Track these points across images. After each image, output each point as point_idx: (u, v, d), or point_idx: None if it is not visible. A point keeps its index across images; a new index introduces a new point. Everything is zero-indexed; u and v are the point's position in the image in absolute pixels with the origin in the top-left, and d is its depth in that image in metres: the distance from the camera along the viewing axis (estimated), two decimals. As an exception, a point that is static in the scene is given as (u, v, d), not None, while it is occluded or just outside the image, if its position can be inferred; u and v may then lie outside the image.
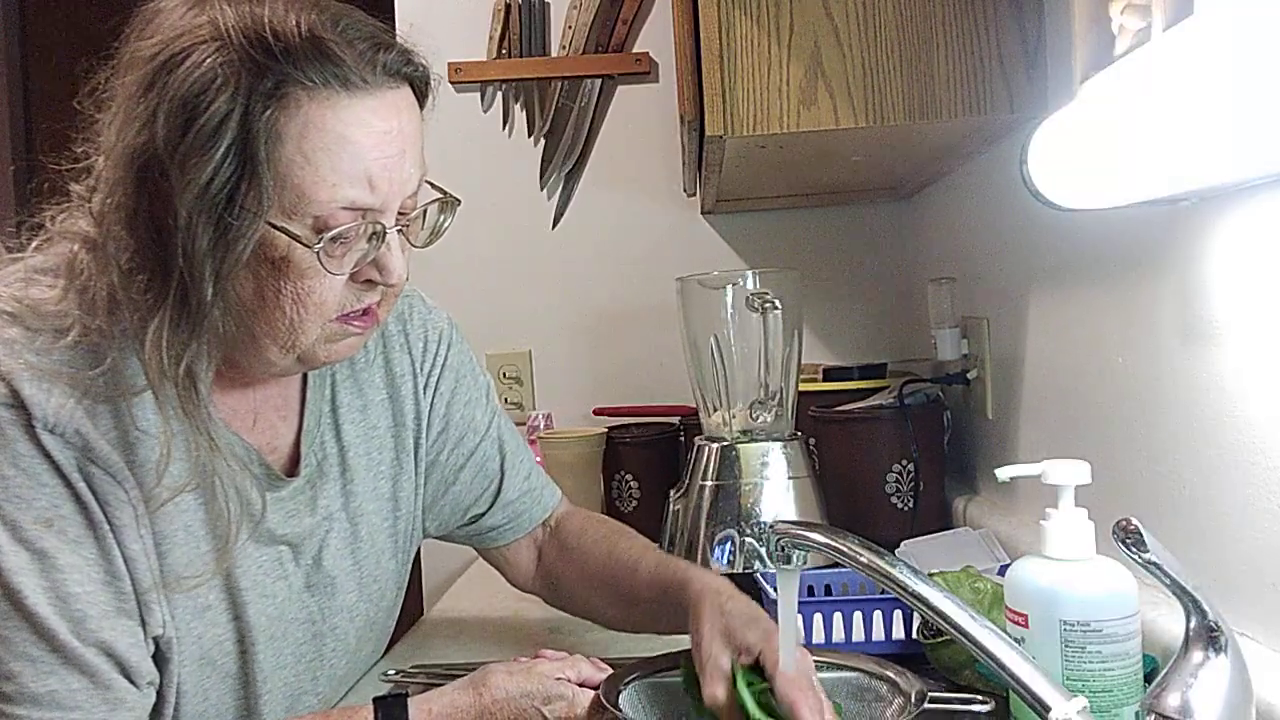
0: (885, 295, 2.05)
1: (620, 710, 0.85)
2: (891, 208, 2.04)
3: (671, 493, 1.44)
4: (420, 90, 0.89)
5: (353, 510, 1.04)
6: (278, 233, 0.82)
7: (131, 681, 0.85)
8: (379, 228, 0.85)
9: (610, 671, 0.92)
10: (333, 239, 0.83)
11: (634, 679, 0.91)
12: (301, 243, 0.82)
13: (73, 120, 0.86)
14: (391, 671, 1.12)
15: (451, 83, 2.04)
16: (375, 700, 0.90)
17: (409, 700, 0.89)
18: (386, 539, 1.08)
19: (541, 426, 1.92)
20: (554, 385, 2.07)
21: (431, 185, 0.93)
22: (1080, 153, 0.84)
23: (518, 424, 2.02)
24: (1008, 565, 1.01)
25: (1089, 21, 0.93)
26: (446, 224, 0.95)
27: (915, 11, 1.21)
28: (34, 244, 0.90)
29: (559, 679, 0.90)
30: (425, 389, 1.12)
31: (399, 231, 0.88)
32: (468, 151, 2.06)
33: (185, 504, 0.89)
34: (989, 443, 1.53)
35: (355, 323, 0.90)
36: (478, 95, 2.07)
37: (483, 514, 1.18)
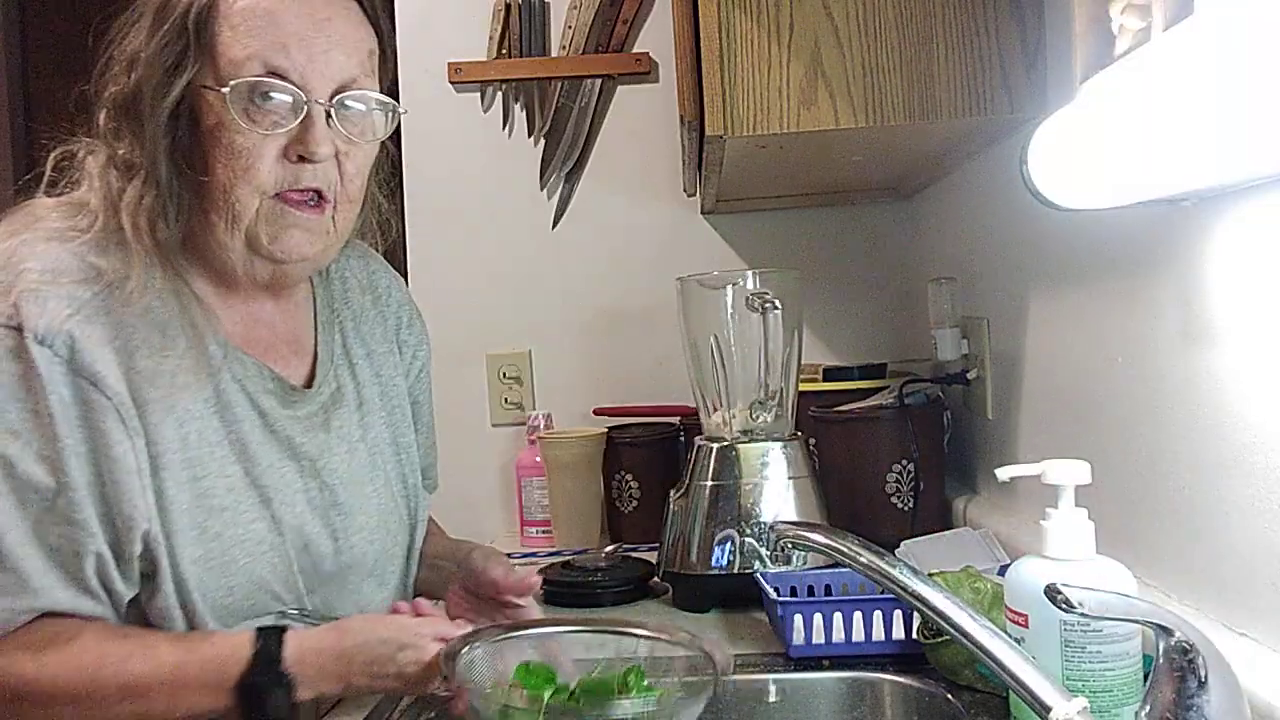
0: (885, 295, 2.05)
1: (455, 669, 0.87)
2: (891, 208, 2.04)
3: (671, 493, 1.44)
4: (366, 6, 1.02)
5: (370, 441, 1.12)
6: (209, 95, 0.95)
7: (72, 579, 0.90)
8: (302, 99, 0.95)
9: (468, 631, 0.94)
10: (251, 94, 0.93)
11: (479, 643, 0.92)
12: (220, 96, 0.94)
13: (71, 120, 1.00)
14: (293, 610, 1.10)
15: (451, 83, 2.04)
16: (258, 629, 0.94)
17: (288, 633, 0.93)
18: (395, 477, 1.15)
19: (541, 426, 1.92)
20: (554, 385, 2.07)
21: (380, 97, 1.02)
22: (1080, 153, 0.84)
23: (518, 424, 2.04)
24: (1008, 565, 1.01)
25: (1089, 21, 0.93)
26: (389, 126, 1.03)
27: (915, 11, 1.21)
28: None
29: (417, 632, 0.93)
30: (409, 366, 1.23)
31: (328, 116, 0.97)
32: (468, 151, 2.06)
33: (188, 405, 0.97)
34: (989, 443, 1.53)
35: (295, 205, 0.98)
36: (478, 95, 2.07)
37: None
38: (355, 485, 1.08)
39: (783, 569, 1.27)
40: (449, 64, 2.03)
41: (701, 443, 1.43)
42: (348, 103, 0.98)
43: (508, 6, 2.03)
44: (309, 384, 1.08)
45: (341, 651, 0.92)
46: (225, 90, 0.93)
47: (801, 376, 1.55)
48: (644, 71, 2.04)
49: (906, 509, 1.54)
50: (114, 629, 0.93)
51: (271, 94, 0.94)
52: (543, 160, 2.06)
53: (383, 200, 1.14)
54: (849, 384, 1.67)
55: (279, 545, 1.00)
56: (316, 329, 1.12)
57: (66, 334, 0.90)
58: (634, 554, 1.55)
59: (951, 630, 0.70)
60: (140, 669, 0.90)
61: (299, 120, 0.95)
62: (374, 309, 1.20)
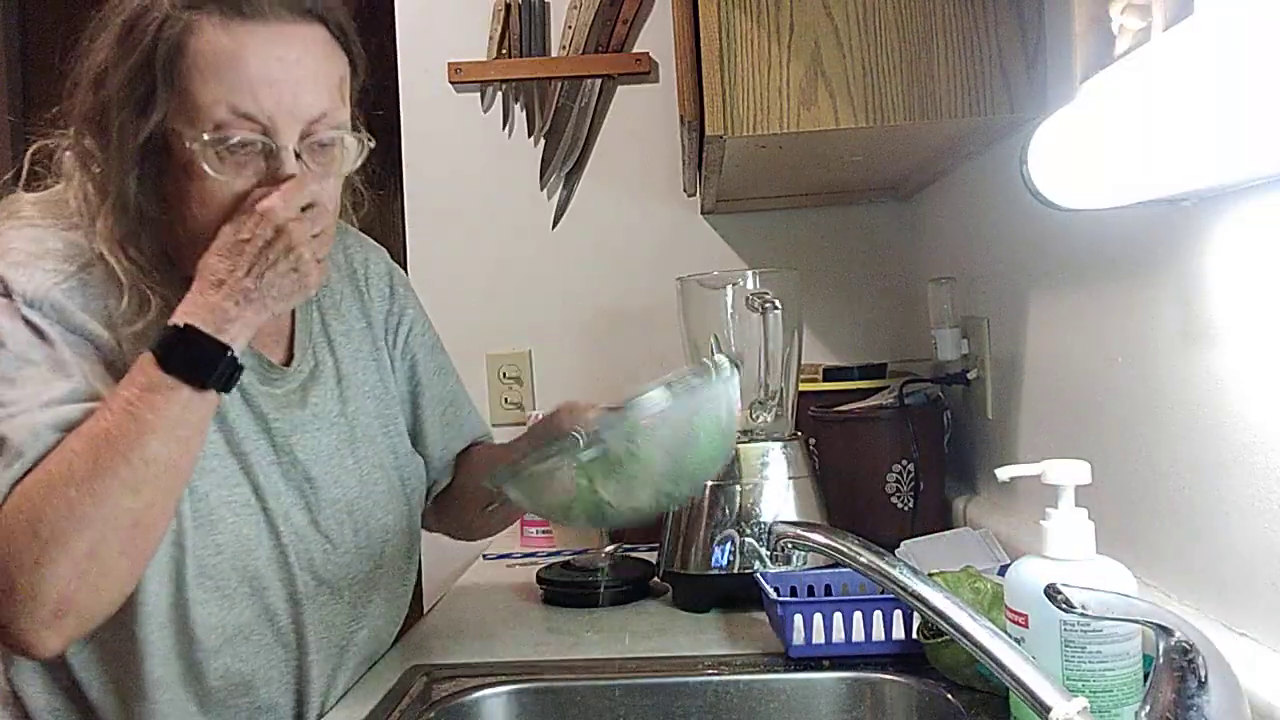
0: (885, 295, 2.05)
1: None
2: (891, 208, 2.04)
3: (671, 493, 1.44)
4: (335, 32, 1.00)
5: (351, 415, 1.14)
6: (179, 138, 0.94)
7: None
8: (271, 145, 0.94)
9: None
10: (220, 141, 0.93)
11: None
12: (190, 142, 0.93)
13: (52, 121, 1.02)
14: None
15: (451, 83, 2.04)
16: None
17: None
18: (385, 449, 1.18)
19: (541, 426, 1.91)
20: (554, 385, 2.07)
21: (354, 130, 1.01)
22: (1080, 153, 0.84)
23: (518, 424, 2.03)
24: (1008, 565, 1.00)
25: (1089, 21, 0.93)
26: (361, 156, 1.03)
27: (915, 11, 1.21)
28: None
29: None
30: (395, 334, 1.24)
31: (297, 156, 0.96)
32: (468, 151, 2.06)
33: None
34: (989, 443, 1.53)
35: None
36: (478, 95, 2.07)
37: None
38: (330, 460, 1.10)
39: (783, 569, 1.27)
40: (449, 64, 2.03)
41: (701, 443, 1.43)
42: (319, 137, 0.97)
43: (508, 6, 2.03)
44: (288, 362, 1.11)
45: (209, 275, 0.93)
46: (194, 145, 0.93)
47: (801, 376, 1.55)
48: (644, 71, 2.04)
49: (906, 509, 1.54)
50: None
51: (241, 140, 0.94)
52: (543, 160, 2.06)
53: (358, 183, 1.12)
54: (849, 384, 1.67)
55: (263, 511, 1.03)
56: (294, 310, 1.13)
57: (53, 300, 0.94)
58: (634, 554, 1.55)
59: (951, 630, 0.70)
60: (91, 423, 0.89)
61: (267, 163, 0.95)
62: (350, 286, 1.21)
